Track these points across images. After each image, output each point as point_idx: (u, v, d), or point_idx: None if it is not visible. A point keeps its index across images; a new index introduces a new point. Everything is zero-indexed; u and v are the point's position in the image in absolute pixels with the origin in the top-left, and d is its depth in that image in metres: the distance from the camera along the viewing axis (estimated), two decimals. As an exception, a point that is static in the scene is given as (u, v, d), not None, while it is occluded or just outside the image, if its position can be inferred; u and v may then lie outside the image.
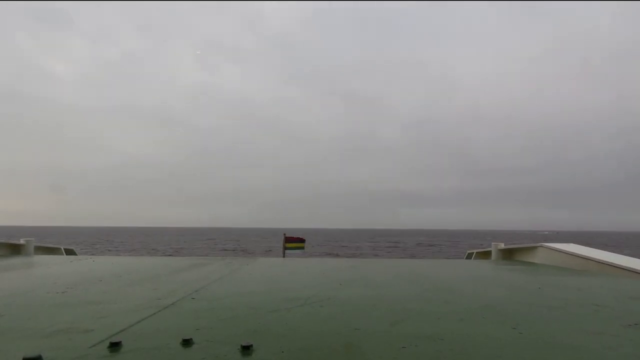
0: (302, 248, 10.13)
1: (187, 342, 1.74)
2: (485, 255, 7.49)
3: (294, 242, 10.00)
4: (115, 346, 1.69)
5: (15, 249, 6.85)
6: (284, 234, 10.13)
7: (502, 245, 7.07)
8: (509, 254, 6.97)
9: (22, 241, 6.90)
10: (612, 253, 5.38)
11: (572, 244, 6.04)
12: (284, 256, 9.48)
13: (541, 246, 6.16)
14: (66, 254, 7.61)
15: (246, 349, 1.65)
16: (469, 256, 7.95)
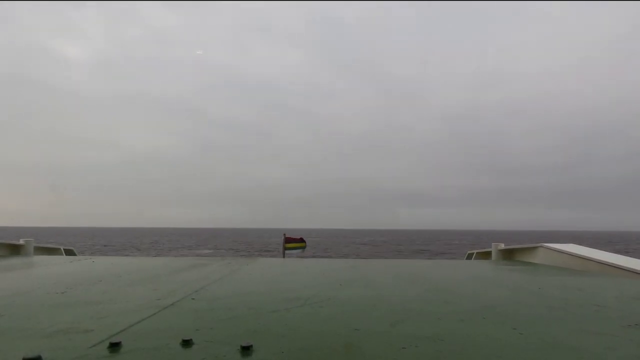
0: (303, 248, 10.15)
1: (187, 343, 1.74)
2: (486, 255, 7.49)
3: (293, 242, 10.01)
4: (115, 346, 1.68)
5: (14, 250, 6.85)
6: (284, 234, 10.13)
7: (502, 246, 7.08)
8: (509, 255, 6.97)
9: (21, 241, 6.89)
10: (612, 253, 5.38)
11: (572, 244, 6.04)
12: (283, 256, 9.48)
13: (541, 246, 6.16)
14: (66, 255, 7.61)
15: (246, 350, 1.65)
16: (469, 256, 7.95)
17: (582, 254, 5.31)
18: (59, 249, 7.83)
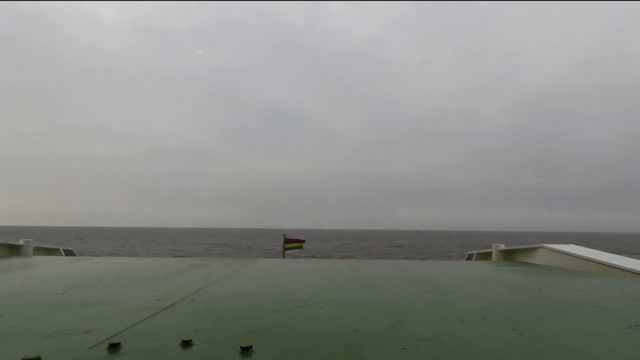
0: (301, 247, 10.18)
1: (186, 344, 1.73)
2: (486, 256, 7.48)
3: (293, 242, 10.02)
4: (114, 347, 1.68)
5: (14, 250, 6.84)
6: (284, 235, 10.13)
7: (502, 246, 7.07)
8: (509, 255, 6.97)
9: (21, 242, 6.88)
10: (613, 254, 5.37)
11: (572, 245, 6.03)
12: (283, 257, 9.48)
13: (542, 247, 6.15)
14: (65, 255, 7.61)
15: (246, 350, 1.65)
16: (470, 257, 7.95)
17: (582, 254, 5.30)
18: (59, 249, 7.83)
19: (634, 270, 4.43)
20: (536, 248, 6.29)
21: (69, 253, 7.89)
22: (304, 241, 10.23)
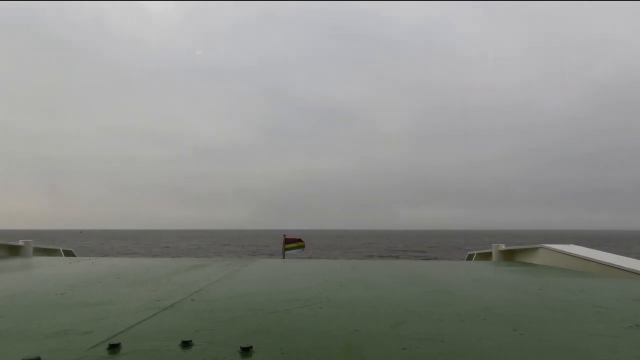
0: (302, 247, 10.20)
1: (186, 344, 1.74)
2: (486, 256, 7.48)
3: (293, 242, 10.04)
4: (114, 348, 1.68)
5: (13, 250, 6.84)
6: (284, 235, 10.14)
7: (502, 247, 7.06)
8: (509, 255, 6.96)
9: (20, 242, 6.88)
10: (613, 254, 5.37)
11: (572, 245, 6.03)
12: (283, 257, 9.49)
13: (542, 247, 6.15)
14: (65, 256, 7.61)
15: (245, 351, 1.65)
16: (470, 257, 7.95)
17: (582, 254, 5.30)
18: (58, 250, 7.83)
19: (635, 270, 4.43)
20: (536, 248, 6.29)
21: (68, 254, 7.89)
22: (302, 241, 10.25)
